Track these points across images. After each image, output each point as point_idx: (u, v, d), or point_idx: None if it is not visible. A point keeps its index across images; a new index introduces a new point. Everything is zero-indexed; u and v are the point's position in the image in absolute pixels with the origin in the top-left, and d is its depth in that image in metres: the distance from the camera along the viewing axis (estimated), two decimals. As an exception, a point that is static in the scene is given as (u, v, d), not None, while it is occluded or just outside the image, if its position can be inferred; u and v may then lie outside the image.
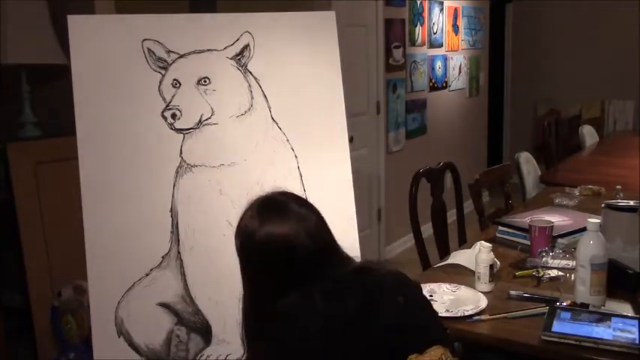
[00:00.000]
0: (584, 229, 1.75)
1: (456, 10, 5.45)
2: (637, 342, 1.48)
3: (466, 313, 1.69)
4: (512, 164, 3.58)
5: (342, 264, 1.29)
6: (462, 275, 1.99)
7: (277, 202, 1.29)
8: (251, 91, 1.90)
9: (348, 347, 1.17)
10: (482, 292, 1.83)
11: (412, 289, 1.30)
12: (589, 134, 5.09)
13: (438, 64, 5.23)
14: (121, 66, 1.81)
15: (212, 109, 1.85)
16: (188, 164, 1.83)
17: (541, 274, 1.96)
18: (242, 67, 1.90)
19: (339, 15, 2.12)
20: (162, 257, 1.80)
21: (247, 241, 1.26)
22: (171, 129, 1.82)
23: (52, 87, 2.87)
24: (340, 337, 1.18)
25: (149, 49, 1.82)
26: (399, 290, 1.25)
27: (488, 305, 1.75)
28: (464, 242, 2.73)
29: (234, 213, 1.84)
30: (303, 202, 1.32)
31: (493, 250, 1.92)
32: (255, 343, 1.28)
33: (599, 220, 1.74)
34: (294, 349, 1.18)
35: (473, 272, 1.92)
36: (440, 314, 1.70)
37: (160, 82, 1.82)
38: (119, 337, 1.75)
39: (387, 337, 1.19)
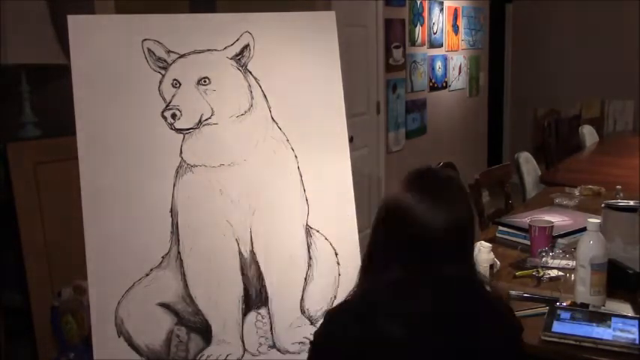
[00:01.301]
0: (584, 229, 1.75)
1: (456, 10, 5.45)
2: (637, 342, 1.48)
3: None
4: (512, 164, 3.58)
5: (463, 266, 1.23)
6: (462, 275, 1.98)
7: (441, 184, 1.23)
8: (251, 91, 1.90)
9: (436, 346, 1.14)
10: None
11: (514, 325, 1.28)
12: (589, 134, 5.09)
13: (438, 64, 5.23)
14: (121, 66, 1.81)
15: (212, 109, 1.85)
16: (188, 164, 1.83)
17: (541, 274, 1.96)
18: (242, 67, 1.90)
19: (339, 15, 2.12)
20: (162, 257, 1.80)
21: (399, 212, 1.21)
22: (171, 129, 1.82)
23: (52, 87, 2.87)
24: (431, 334, 1.15)
25: (149, 49, 1.82)
26: (503, 320, 1.24)
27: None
28: (464, 242, 2.73)
29: (234, 213, 1.85)
30: (464, 194, 1.26)
31: (493, 250, 1.93)
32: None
33: (599, 220, 1.74)
34: (379, 319, 1.15)
35: (473, 272, 1.91)
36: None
37: (160, 82, 1.82)
38: (119, 337, 1.75)
39: (470, 355, 1.16)
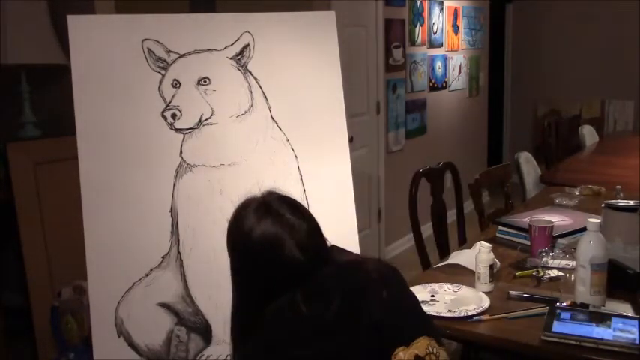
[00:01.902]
0: (584, 229, 1.75)
1: (456, 10, 5.45)
2: (637, 342, 1.48)
3: (470, 313, 1.69)
4: (512, 164, 3.58)
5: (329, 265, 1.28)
6: (462, 275, 1.99)
7: (272, 203, 1.28)
8: (251, 91, 1.90)
9: (336, 347, 1.18)
10: (482, 292, 1.83)
11: (397, 283, 1.29)
12: (589, 134, 5.09)
13: (438, 64, 5.23)
14: (121, 66, 1.81)
15: (212, 109, 1.85)
16: (188, 164, 1.83)
17: (541, 274, 1.95)
18: (242, 67, 1.90)
19: (339, 15, 2.12)
20: (162, 257, 1.80)
21: (242, 239, 1.25)
22: (171, 129, 1.82)
23: (52, 87, 2.87)
24: (327, 337, 1.18)
25: (149, 49, 1.82)
26: (384, 286, 1.25)
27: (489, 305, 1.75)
28: (464, 242, 2.73)
29: (234, 213, 1.85)
30: (298, 206, 1.30)
31: (493, 250, 1.92)
32: (244, 345, 1.28)
33: (599, 220, 1.74)
34: (282, 352, 1.18)
35: (473, 272, 1.92)
36: (442, 314, 1.70)
37: (160, 82, 1.82)
38: (119, 337, 1.75)
39: (372, 333, 1.19)
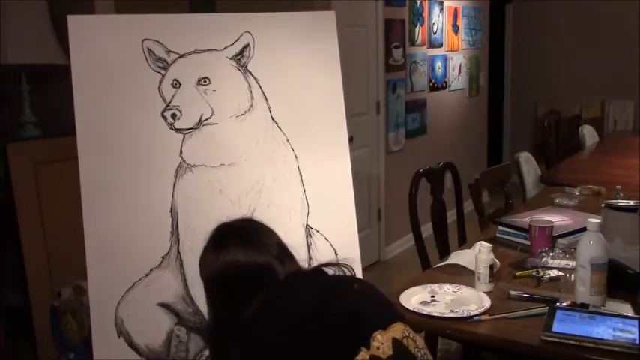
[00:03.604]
0: (584, 229, 1.75)
1: (455, 10, 5.45)
2: (637, 342, 1.48)
3: (471, 313, 1.69)
4: (512, 164, 3.58)
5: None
6: (462, 275, 1.99)
7: (232, 232, 1.39)
8: (251, 91, 1.90)
9: (314, 338, 1.20)
10: (482, 292, 1.83)
11: (362, 280, 1.39)
12: (589, 134, 5.09)
13: (438, 64, 5.23)
14: (121, 66, 1.81)
15: (212, 109, 1.85)
16: (188, 164, 1.83)
17: (541, 274, 1.95)
18: (242, 67, 1.90)
19: (339, 15, 2.12)
20: (162, 257, 1.80)
21: (207, 270, 1.36)
22: (171, 129, 1.82)
23: (52, 87, 2.87)
24: (305, 329, 1.20)
25: (149, 49, 1.82)
26: (354, 280, 1.35)
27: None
28: (464, 242, 2.73)
29: (234, 213, 1.85)
30: (259, 233, 1.39)
31: (493, 250, 1.92)
32: (222, 351, 1.33)
33: (599, 220, 1.74)
34: (265, 349, 1.20)
35: (473, 272, 1.92)
36: (443, 314, 1.70)
37: (160, 82, 1.82)
38: (119, 337, 1.75)
39: (348, 321, 1.22)
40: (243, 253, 1.32)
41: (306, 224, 1.94)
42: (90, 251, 1.73)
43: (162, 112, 1.81)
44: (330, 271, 1.36)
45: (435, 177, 2.80)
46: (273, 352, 1.20)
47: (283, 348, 1.19)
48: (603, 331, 1.53)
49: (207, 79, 1.85)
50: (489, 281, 1.86)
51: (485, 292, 1.82)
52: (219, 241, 1.36)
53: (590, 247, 1.69)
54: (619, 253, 1.87)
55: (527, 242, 2.17)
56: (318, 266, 1.38)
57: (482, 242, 2.01)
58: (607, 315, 1.61)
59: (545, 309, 1.66)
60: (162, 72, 1.83)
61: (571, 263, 1.95)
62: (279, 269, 1.31)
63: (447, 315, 1.70)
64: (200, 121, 1.83)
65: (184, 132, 1.83)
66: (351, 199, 2.03)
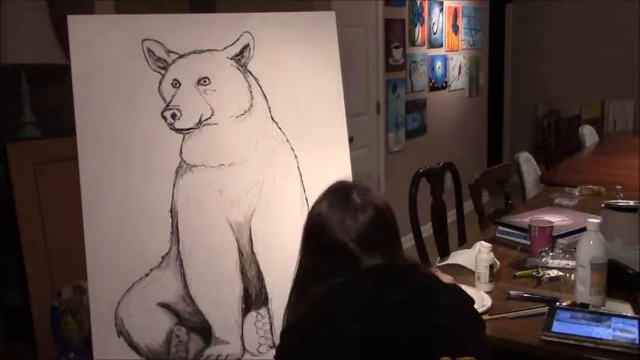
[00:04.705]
0: (584, 229, 1.75)
1: (455, 10, 5.45)
2: (637, 342, 1.48)
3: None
4: (512, 164, 3.58)
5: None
6: (462, 275, 1.99)
7: (343, 189, 1.32)
8: (251, 91, 1.90)
9: (389, 334, 1.15)
10: (482, 291, 1.83)
11: (456, 291, 1.31)
12: (589, 134, 5.09)
13: (438, 64, 5.23)
14: (121, 66, 1.80)
15: (212, 109, 1.85)
16: (188, 164, 1.83)
17: (541, 274, 1.96)
18: (242, 67, 1.90)
19: (339, 15, 2.12)
20: (162, 257, 1.80)
21: (310, 220, 1.30)
22: (171, 129, 1.82)
23: (52, 87, 2.87)
24: (383, 323, 1.16)
25: (149, 49, 1.82)
26: (443, 290, 1.27)
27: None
28: (464, 242, 2.74)
29: (234, 213, 1.85)
30: (368, 193, 1.34)
31: (493, 250, 1.93)
32: (295, 309, 1.30)
33: (599, 220, 1.75)
34: (339, 323, 1.16)
35: (473, 272, 1.92)
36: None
37: (160, 82, 1.82)
38: (119, 337, 1.75)
39: (427, 332, 1.17)
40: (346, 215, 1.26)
41: (306, 224, 1.94)
42: (90, 251, 1.73)
43: (162, 112, 1.81)
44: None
45: (435, 177, 2.80)
46: (336, 330, 1.16)
47: (349, 328, 1.15)
48: (603, 331, 1.53)
49: (207, 79, 1.85)
50: (489, 281, 1.86)
51: (485, 292, 1.82)
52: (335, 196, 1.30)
53: (590, 247, 1.69)
54: (619, 253, 1.87)
55: (527, 242, 2.17)
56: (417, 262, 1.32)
57: (483, 242, 2.01)
58: (607, 315, 1.61)
59: (545, 309, 1.66)
60: (162, 72, 1.82)
61: (571, 263, 1.96)
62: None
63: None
64: (200, 121, 1.83)
65: (184, 132, 1.83)
66: (351, 199, 2.03)
